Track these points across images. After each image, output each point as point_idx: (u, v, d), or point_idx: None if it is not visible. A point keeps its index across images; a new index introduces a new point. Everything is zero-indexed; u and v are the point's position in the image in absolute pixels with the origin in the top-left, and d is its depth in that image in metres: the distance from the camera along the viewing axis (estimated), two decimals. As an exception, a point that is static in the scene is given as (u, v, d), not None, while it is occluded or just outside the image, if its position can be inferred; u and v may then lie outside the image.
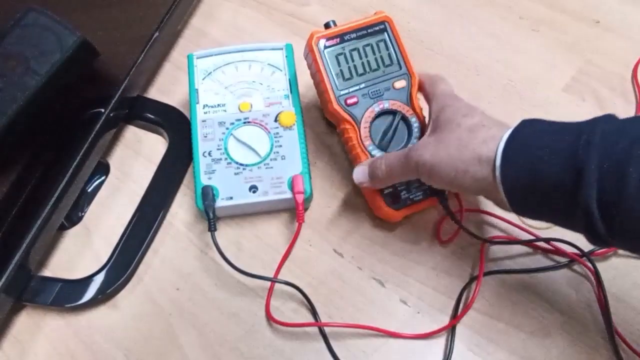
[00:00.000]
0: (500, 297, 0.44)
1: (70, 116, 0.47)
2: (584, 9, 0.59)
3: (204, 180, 0.47)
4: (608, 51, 0.56)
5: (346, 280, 0.45)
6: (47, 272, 0.47)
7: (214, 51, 0.52)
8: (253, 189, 0.46)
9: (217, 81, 0.51)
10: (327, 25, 0.47)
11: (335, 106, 0.45)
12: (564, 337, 0.42)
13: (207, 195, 0.45)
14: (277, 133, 0.48)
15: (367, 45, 0.47)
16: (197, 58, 0.51)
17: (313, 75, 0.47)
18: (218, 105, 0.50)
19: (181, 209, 0.50)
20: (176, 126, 0.53)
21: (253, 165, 0.47)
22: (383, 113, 0.46)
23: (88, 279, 0.45)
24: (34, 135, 0.44)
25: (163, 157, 0.52)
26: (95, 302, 0.45)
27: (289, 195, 0.46)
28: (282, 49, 0.52)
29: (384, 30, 0.47)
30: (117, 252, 0.46)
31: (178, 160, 0.51)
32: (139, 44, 0.51)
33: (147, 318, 0.45)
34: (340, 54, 0.46)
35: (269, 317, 0.44)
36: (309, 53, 0.46)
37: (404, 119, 0.46)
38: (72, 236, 0.49)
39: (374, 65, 0.46)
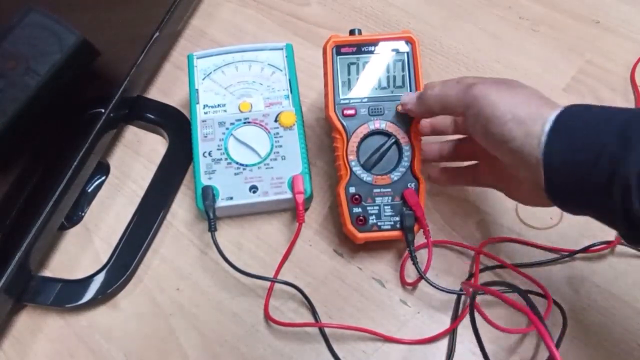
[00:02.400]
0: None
1: (70, 116, 0.47)
2: (584, 9, 0.59)
3: (204, 180, 0.47)
4: (608, 51, 0.56)
5: (346, 281, 0.45)
6: (47, 272, 0.47)
7: (214, 51, 0.52)
8: (253, 189, 0.46)
9: (217, 81, 0.51)
10: (352, 32, 0.47)
11: (331, 113, 0.44)
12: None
13: (207, 196, 0.45)
14: (277, 133, 0.48)
15: (384, 61, 0.46)
16: (197, 58, 0.51)
17: (324, 75, 0.46)
18: (218, 105, 0.50)
19: (181, 209, 0.50)
20: (176, 126, 0.53)
21: (253, 165, 0.47)
22: (377, 133, 0.44)
23: (88, 279, 0.45)
24: (34, 136, 0.44)
25: (163, 157, 0.52)
26: (95, 302, 0.45)
27: (289, 195, 0.46)
28: (282, 49, 0.52)
29: (406, 50, 0.46)
30: (117, 252, 0.46)
31: (178, 160, 0.51)
32: (139, 44, 0.51)
33: (147, 318, 0.45)
34: (353, 63, 0.45)
35: (268, 317, 0.44)
36: (323, 54, 0.46)
37: (397, 144, 0.44)
38: (72, 236, 0.49)
39: (383, 83, 0.45)
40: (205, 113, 0.49)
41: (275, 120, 0.49)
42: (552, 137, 0.32)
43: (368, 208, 0.43)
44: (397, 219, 0.43)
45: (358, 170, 0.44)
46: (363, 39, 0.46)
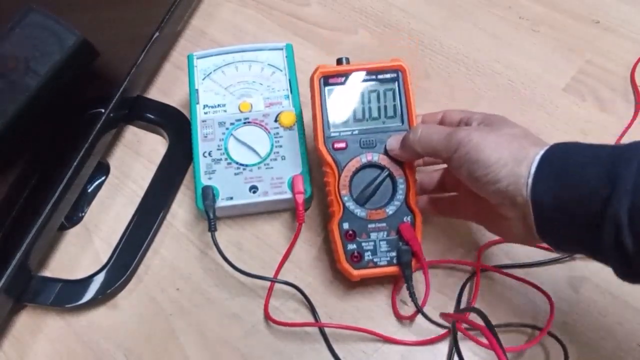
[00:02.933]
0: (499, 297, 0.44)
1: (70, 116, 0.47)
2: (584, 9, 0.59)
3: (204, 180, 0.47)
4: (608, 51, 0.56)
5: (346, 280, 0.45)
6: (47, 272, 0.47)
7: (214, 51, 0.52)
8: (253, 189, 0.46)
9: (217, 81, 0.51)
10: (339, 61, 0.45)
11: (321, 146, 0.43)
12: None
13: (207, 196, 0.45)
14: (277, 133, 0.48)
15: (374, 91, 0.44)
16: (197, 58, 0.51)
17: (312, 107, 0.44)
18: (218, 105, 0.50)
19: (181, 209, 0.50)
20: (176, 126, 0.53)
21: (253, 165, 0.47)
22: (370, 166, 0.43)
23: (88, 279, 0.45)
24: (34, 136, 0.44)
25: (163, 157, 0.52)
26: (95, 302, 0.45)
27: (289, 195, 0.46)
28: (282, 49, 0.52)
29: (396, 79, 0.44)
30: (117, 252, 0.46)
31: (178, 160, 0.51)
32: (139, 44, 0.51)
33: (147, 318, 0.45)
34: (342, 94, 0.44)
35: (268, 317, 0.44)
36: (310, 85, 0.44)
37: (391, 177, 0.43)
38: (72, 236, 0.49)
39: (374, 114, 0.44)
40: (205, 113, 0.49)
41: (275, 120, 0.49)
42: (539, 177, 0.33)
43: (363, 244, 0.42)
44: (394, 254, 0.42)
45: (351, 205, 0.42)
46: (351, 68, 0.44)
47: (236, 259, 0.44)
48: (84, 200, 0.50)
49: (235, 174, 0.47)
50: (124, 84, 0.50)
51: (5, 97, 0.40)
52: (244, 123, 0.49)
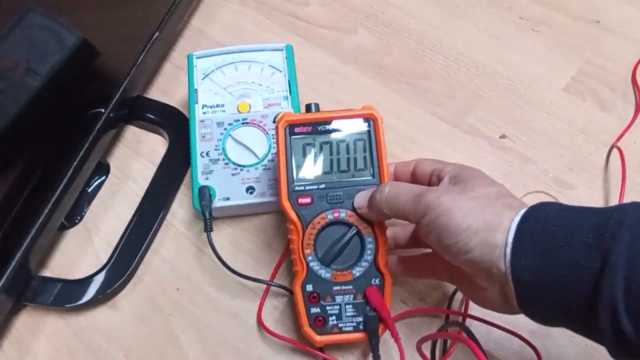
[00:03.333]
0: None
1: (70, 116, 0.47)
2: (584, 9, 0.59)
3: (202, 180, 0.47)
4: (608, 51, 0.56)
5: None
6: (47, 272, 0.47)
7: (214, 51, 0.52)
8: (250, 190, 0.46)
9: (217, 81, 0.51)
10: (308, 108, 0.43)
11: (285, 202, 0.40)
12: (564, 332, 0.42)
13: (204, 196, 0.45)
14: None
15: (343, 141, 0.41)
16: (197, 58, 0.52)
17: (276, 157, 0.41)
18: (217, 105, 0.50)
19: (181, 209, 0.50)
20: (176, 126, 0.53)
21: (250, 166, 0.47)
22: (336, 223, 0.40)
23: (88, 279, 0.45)
24: (34, 136, 0.44)
25: (163, 157, 0.52)
26: (95, 302, 0.45)
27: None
28: (282, 50, 0.52)
29: (367, 129, 0.41)
30: (117, 252, 0.46)
31: (178, 160, 0.51)
32: (139, 44, 0.51)
33: (147, 318, 0.45)
34: (309, 144, 0.41)
35: (260, 324, 0.43)
36: (275, 134, 0.41)
37: (359, 235, 0.40)
38: (72, 236, 0.49)
39: (343, 166, 0.41)
40: (204, 113, 0.49)
41: (274, 122, 0.49)
42: (518, 249, 0.30)
43: (327, 308, 0.39)
44: (361, 319, 0.39)
45: (315, 265, 0.39)
46: (319, 117, 0.41)
47: (235, 259, 0.44)
48: (84, 200, 0.50)
49: (233, 174, 0.47)
50: (124, 84, 0.50)
51: (5, 97, 0.40)
52: (243, 124, 0.49)
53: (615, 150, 0.49)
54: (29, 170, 0.44)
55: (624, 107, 0.53)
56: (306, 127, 0.41)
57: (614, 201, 0.47)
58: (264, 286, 0.45)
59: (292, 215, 0.40)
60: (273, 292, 0.45)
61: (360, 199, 0.39)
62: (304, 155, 0.41)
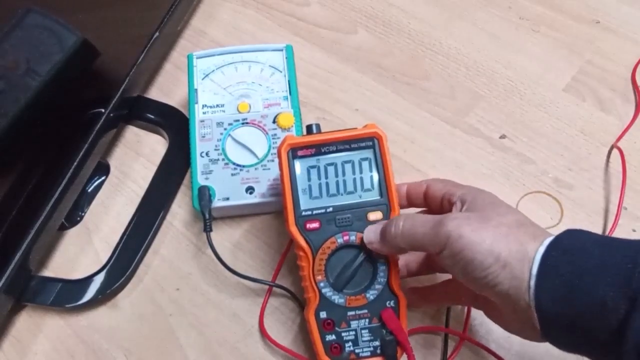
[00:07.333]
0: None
1: (70, 116, 0.47)
2: (584, 9, 0.59)
3: (201, 180, 0.47)
4: (608, 51, 0.56)
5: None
6: (47, 272, 0.47)
7: (214, 51, 0.52)
8: (250, 190, 0.46)
9: (217, 81, 0.51)
10: (309, 128, 0.42)
11: (292, 228, 0.39)
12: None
13: (203, 196, 0.45)
14: (275, 134, 0.48)
15: (348, 162, 0.40)
16: (197, 58, 0.52)
17: (281, 182, 0.40)
18: (217, 105, 0.50)
19: (181, 209, 0.50)
20: (176, 126, 0.53)
21: (250, 166, 0.47)
22: (346, 246, 0.39)
23: (88, 279, 0.45)
24: (35, 136, 0.44)
25: (163, 157, 0.52)
26: (95, 302, 0.45)
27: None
28: (282, 50, 0.52)
29: (372, 147, 0.40)
30: (117, 252, 0.46)
31: (178, 160, 0.51)
32: (139, 44, 0.51)
33: (147, 318, 0.45)
34: (314, 166, 0.40)
35: (262, 329, 0.43)
36: (278, 158, 0.40)
37: (370, 258, 0.38)
38: (72, 236, 0.49)
39: (350, 187, 0.40)
40: (204, 113, 0.49)
41: (274, 122, 0.49)
42: (542, 284, 0.30)
43: (343, 334, 0.38)
44: (377, 343, 0.38)
45: (328, 292, 0.38)
46: (322, 139, 0.40)
47: (235, 259, 0.44)
48: (84, 200, 0.50)
49: (232, 174, 0.47)
50: (124, 84, 0.50)
51: (5, 97, 0.40)
52: (242, 124, 0.49)
53: (615, 151, 0.49)
54: (29, 170, 0.44)
55: (623, 107, 0.53)
56: (309, 150, 0.40)
57: (614, 201, 0.47)
58: (264, 286, 0.45)
59: (301, 241, 0.39)
60: (273, 292, 0.45)
61: (371, 234, 0.38)
62: (309, 178, 0.40)
